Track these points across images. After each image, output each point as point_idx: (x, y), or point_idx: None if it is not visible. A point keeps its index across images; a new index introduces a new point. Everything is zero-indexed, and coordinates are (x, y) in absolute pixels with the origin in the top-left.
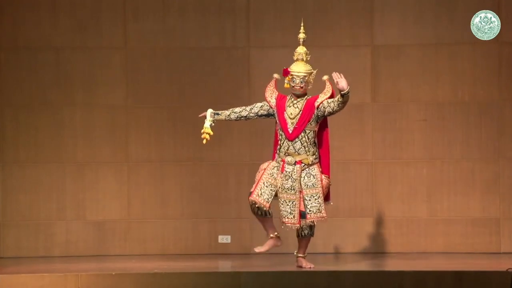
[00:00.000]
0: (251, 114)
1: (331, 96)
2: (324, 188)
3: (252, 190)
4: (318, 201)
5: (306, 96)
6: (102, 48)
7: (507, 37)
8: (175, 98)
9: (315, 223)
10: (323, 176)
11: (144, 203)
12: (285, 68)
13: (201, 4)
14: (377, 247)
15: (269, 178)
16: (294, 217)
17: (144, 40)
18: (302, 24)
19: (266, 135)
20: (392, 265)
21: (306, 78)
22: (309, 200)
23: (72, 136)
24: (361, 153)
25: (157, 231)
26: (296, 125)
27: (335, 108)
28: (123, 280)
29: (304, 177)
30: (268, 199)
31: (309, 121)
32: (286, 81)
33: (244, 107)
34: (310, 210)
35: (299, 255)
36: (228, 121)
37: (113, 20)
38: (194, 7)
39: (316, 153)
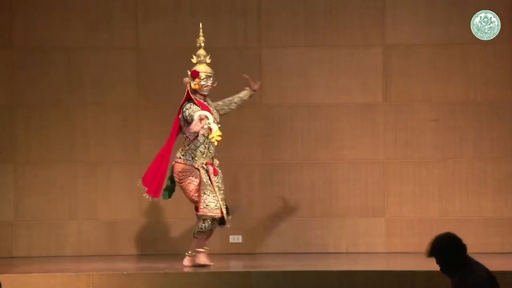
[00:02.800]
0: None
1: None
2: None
3: (200, 206)
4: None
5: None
6: (113, 48)
7: None
8: None
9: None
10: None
11: (155, 203)
12: (193, 69)
13: (213, 4)
14: (388, 247)
15: (209, 188)
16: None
17: (155, 40)
18: (201, 28)
19: (276, 135)
20: (403, 265)
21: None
22: (224, 204)
23: (83, 136)
24: (372, 152)
25: (168, 231)
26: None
27: (228, 110)
28: (134, 280)
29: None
30: (217, 206)
31: None
32: (195, 82)
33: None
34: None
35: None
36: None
37: (125, 20)
38: (205, 7)
39: None
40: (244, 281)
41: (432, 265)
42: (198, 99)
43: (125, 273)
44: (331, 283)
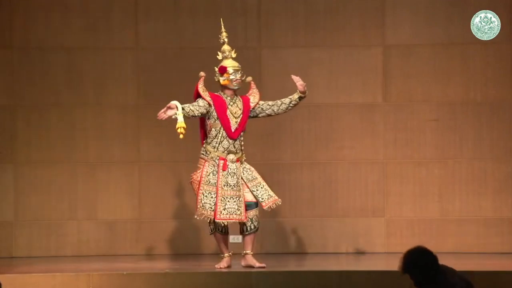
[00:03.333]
0: (197, 113)
1: (260, 99)
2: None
3: (196, 206)
4: (264, 189)
5: (237, 95)
6: (113, 48)
7: None
8: (186, 98)
9: (273, 206)
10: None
11: (155, 203)
12: (220, 65)
13: (213, 4)
14: (388, 247)
15: (207, 187)
16: (241, 213)
17: (155, 40)
18: (222, 24)
19: (276, 135)
20: None
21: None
22: (257, 190)
23: (83, 136)
24: (372, 153)
25: (168, 231)
26: (238, 124)
27: (280, 111)
28: (134, 280)
29: (243, 173)
30: (212, 207)
31: (247, 120)
32: (224, 77)
33: (195, 105)
34: (262, 199)
35: (247, 251)
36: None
37: (125, 20)
38: (205, 7)
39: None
40: (244, 281)
41: None
42: (221, 94)
43: (125, 273)
44: (331, 283)
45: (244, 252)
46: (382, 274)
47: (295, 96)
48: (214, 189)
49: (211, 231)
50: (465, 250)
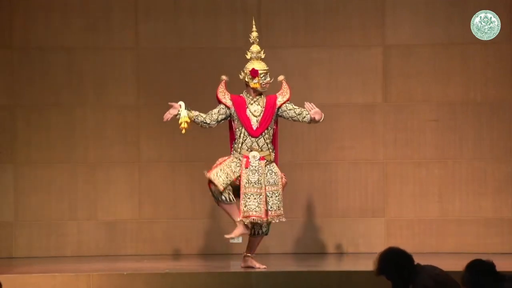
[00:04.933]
0: (213, 122)
1: (288, 98)
2: (283, 186)
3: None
4: (278, 199)
5: (262, 94)
6: (113, 48)
7: None
8: (186, 98)
9: (275, 220)
10: (282, 174)
11: (155, 203)
12: (252, 68)
13: (212, 4)
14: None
15: (226, 168)
16: (261, 210)
17: (155, 40)
18: (254, 23)
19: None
20: None
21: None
22: (271, 197)
23: (83, 137)
24: (372, 153)
25: (168, 231)
26: (260, 122)
27: (303, 121)
28: (134, 280)
29: (266, 174)
30: (223, 183)
31: (272, 118)
32: (255, 81)
33: (208, 114)
34: (271, 207)
35: (248, 254)
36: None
37: (125, 20)
38: (205, 7)
39: (274, 151)
40: (244, 281)
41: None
42: (243, 94)
43: (125, 273)
44: (331, 283)
45: (245, 254)
46: None
47: (309, 117)
48: (232, 175)
49: (217, 201)
50: (465, 250)
